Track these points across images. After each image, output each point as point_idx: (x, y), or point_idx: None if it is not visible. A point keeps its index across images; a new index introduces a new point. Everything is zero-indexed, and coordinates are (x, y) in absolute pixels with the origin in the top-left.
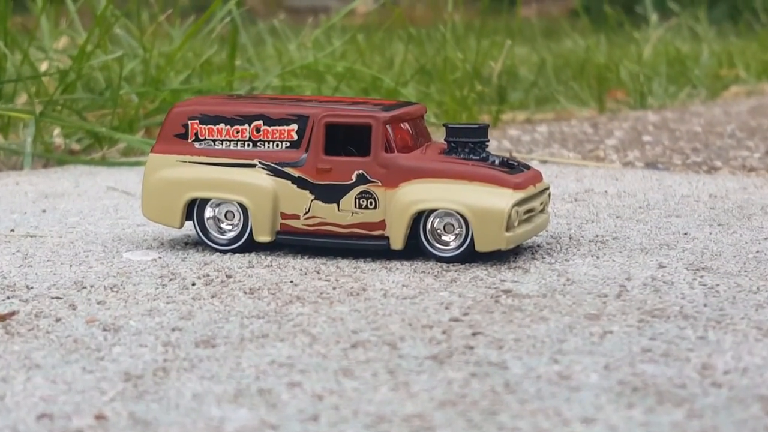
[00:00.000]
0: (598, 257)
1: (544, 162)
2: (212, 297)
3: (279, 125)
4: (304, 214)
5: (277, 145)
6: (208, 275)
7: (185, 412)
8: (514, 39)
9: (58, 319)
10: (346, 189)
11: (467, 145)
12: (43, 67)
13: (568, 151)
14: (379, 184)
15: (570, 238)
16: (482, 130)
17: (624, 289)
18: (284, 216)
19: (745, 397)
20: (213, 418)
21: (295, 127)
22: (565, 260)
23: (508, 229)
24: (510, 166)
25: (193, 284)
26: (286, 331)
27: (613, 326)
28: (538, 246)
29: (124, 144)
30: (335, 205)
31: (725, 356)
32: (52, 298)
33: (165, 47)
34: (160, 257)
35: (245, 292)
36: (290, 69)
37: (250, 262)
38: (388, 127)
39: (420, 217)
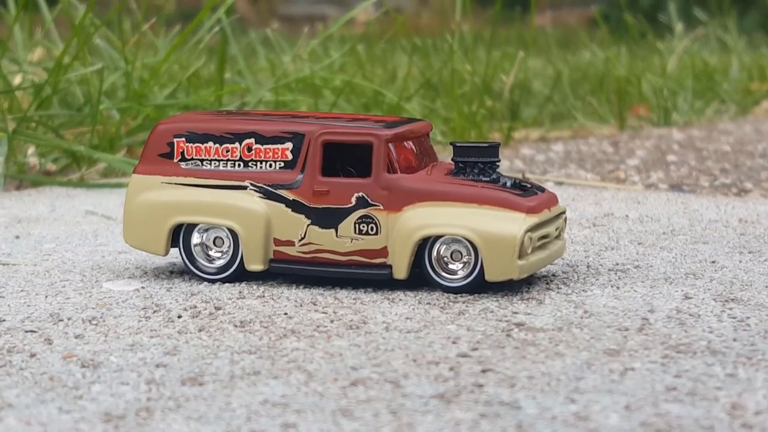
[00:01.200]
0: (618, 287)
1: (559, 184)
2: (200, 330)
3: (272, 144)
4: (300, 241)
5: (271, 166)
6: (195, 307)
7: None
8: (528, 50)
9: (32, 355)
10: (345, 213)
11: (476, 165)
12: (17, 80)
13: (585, 172)
14: (381, 207)
15: (588, 266)
16: (492, 150)
17: (647, 323)
18: (278, 242)
19: None
20: None
21: (289, 145)
22: (583, 291)
23: (520, 256)
24: (523, 188)
25: (179, 317)
26: (279, 367)
27: (634, 363)
28: (554, 275)
29: (104, 164)
30: (333, 230)
31: (756, 395)
32: (26, 331)
33: (149, 59)
34: (143, 287)
35: (235, 326)
36: (284, 82)
37: (240, 292)
38: (390, 145)
39: (425, 244)
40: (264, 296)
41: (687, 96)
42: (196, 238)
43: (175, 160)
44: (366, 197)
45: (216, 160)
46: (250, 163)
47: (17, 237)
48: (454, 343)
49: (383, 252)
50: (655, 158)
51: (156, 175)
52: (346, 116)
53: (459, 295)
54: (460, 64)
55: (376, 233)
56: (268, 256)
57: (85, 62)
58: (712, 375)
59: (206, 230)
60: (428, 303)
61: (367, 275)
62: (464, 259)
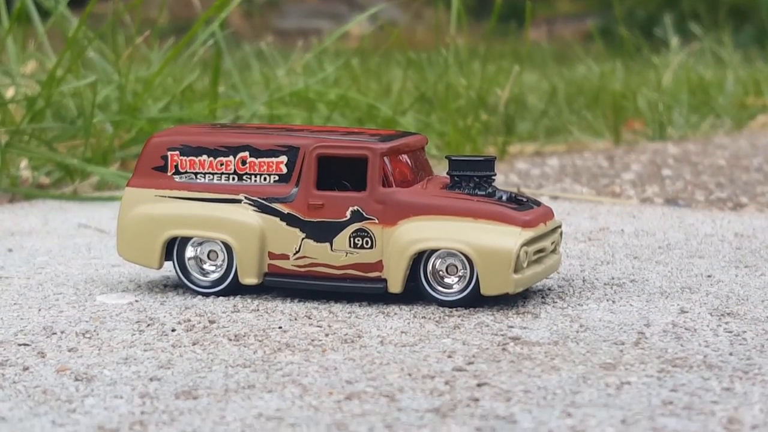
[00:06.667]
0: (614, 301)
1: (555, 198)
2: (194, 344)
3: (267, 157)
4: (294, 254)
5: (265, 179)
6: (189, 320)
7: None
8: (523, 64)
9: (25, 368)
10: (340, 227)
11: (472, 179)
12: (9, 93)
13: (581, 186)
14: (376, 221)
15: (584, 280)
16: (488, 163)
17: (642, 337)
18: (272, 256)
19: None
20: None
21: (284, 159)
22: (579, 305)
23: (516, 270)
24: (518, 202)
25: (173, 330)
26: (274, 381)
27: (630, 377)
28: (549, 289)
29: (98, 177)
30: (328, 244)
31: (753, 409)
32: (20, 344)
33: (142, 72)
34: (136, 300)
35: (230, 339)
36: (279, 96)
37: (235, 306)
38: (385, 159)
39: (420, 258)
40: (258, 310)
41: (682, 110)
42: (190, 252)
43: (168, 174)
44: (361, 211)
45: (210, 173)
46: (244, 177)
47: (10, 250)
48: (449, 357)
49: (378, 266)
50: (650, 172)
51: (150, 188)
52: (341, 130)
53: (454, 309)
54: (455, 78)
55: (371, 247)
56: (262, 270)
57: (79, 75)
58: (708, 389)
59: (200, 244)
60: (423, 317)
61: (362, 289)
62: (459, 273)
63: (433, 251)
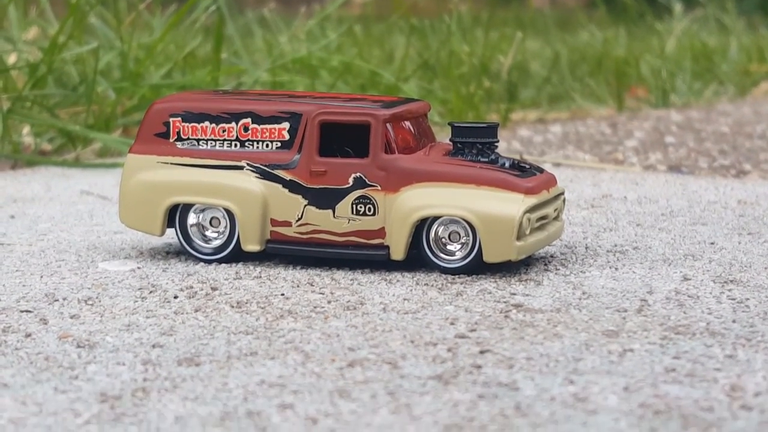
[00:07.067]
0: (616, 269)
1: (557, 165)
2: (196, 311)
3: (269, 123)
4: (297, 221)
5: (267, 146)
6: (191, 287)
7: None
8: (526, 31)
9: (27, 335)
10: (343, 194)
11: (475, 145)
12: (11, 59)
13: (584, 153)
14: (379, 188)
15: (586, 247)
16: (491, 130)
17: (645, 304)
18: (275, 223)
19: None
20: None
21: (286, 125)
22: (581, 272)
23: (519, 237)
24: (521, 169)
25: (176, 297)
26: (276, 348)
27: (633, 344)
28: (552, 256)
29: (100, 144)
30: (330, 211)
31: (756, 377)
32: (22, 311)
33: (145, 38)
34: (139, 267)
35: (232, 306)
36: (281, 63)
37: (237, 273)
38: (388, 125)
39: (423, 225)
40: (261, 277)
41: (685, 77)
42: (192, 219)
43: (171, 140)
44: (363, 178)
45: (212, 139)
46: (246, 143)
47: (12, 217)
48: (452, 324)
49: (381, 233)
50: (653, 139)
51: (152, 154)
52: (344, 96)
53: (457, 276)
54: (458, 45)
55: (374, 214)
56: (264, 237)
57: (81, 41)
58: (711, 356)
59: (202, 210)
60: (426, 284)
61: (364, 256)
62: (462, 240)
63: (435, 218)
